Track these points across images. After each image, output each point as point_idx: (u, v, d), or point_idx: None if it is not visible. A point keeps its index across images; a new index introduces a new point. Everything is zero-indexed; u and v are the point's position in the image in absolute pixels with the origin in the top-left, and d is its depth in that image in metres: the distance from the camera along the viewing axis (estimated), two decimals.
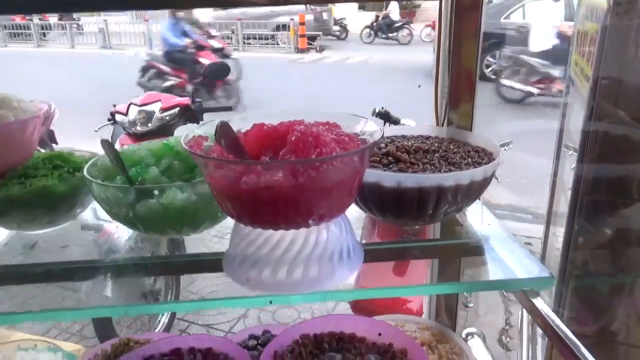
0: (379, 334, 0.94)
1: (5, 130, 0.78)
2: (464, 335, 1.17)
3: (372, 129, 0.69)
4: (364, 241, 3.05)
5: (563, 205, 1.53)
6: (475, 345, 1.15)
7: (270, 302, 0.66)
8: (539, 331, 1.63)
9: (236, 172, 0.58)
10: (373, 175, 0.74)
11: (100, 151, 0.84)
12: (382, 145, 0.86)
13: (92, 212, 0.91)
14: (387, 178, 0.73)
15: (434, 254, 0.77)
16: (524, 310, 1.73)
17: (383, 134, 0.63)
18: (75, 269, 0.75)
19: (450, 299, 1.17)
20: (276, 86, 8.45)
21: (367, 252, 0.74)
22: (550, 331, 0.64)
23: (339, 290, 0.68)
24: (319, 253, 0.67)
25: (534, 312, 0.65)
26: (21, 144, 0.81)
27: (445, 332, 1.09)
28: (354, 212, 0.80)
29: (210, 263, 0.74)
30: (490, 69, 7.54)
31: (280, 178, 0.57)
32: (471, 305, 3.18)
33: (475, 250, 0.74)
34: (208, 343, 0.94)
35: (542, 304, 0.63)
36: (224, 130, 0.54)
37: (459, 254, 0.75)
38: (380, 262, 0.78)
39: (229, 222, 0.80)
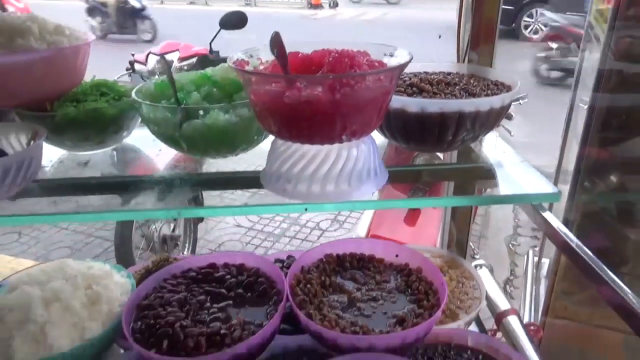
0: (396, 256, 1.03)
1: (61, 54, 0.85)
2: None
3: (400, 56, 0.75)
4: (376, 192, 3.06)
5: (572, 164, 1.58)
6: (484, 275, 1.24)
7: (306, 210, 0.74)
8: (543, 272, 1.73)
9: (280, 87, 0.64)
10: (398, 101, 0.80)
11: None
12: (407, 78, 0.92)
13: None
14: (412, 104, 0.79)
15: (451, 177, 0.84)
16: (530, 254, 1.82)
17: (412, 58, 0.69)
18: (126, 182, 0.83)
19: (461, 232, 1.25)
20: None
21: (390, 173, 0.82)
22: (558, 240, 0.71)
23: (366, 200, 0.75)
24: (349, 168, 0.74)
25: (544, 225, 0.72)
26: (74, 68, 0.88)
27: (456, 259, 1.18)
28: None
29: (249, 179, 0.82)
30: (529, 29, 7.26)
31: (320, 93, 0.64)
32: (478, 257, 3.29)
33: (489, 172, 0.81)
34: (241, 259, 1.03)
35: (551, 216, 0.70)
36: (277, 40, 0.60)
37: (475, 176, 0.82)
38: (401, 183, 0.85)
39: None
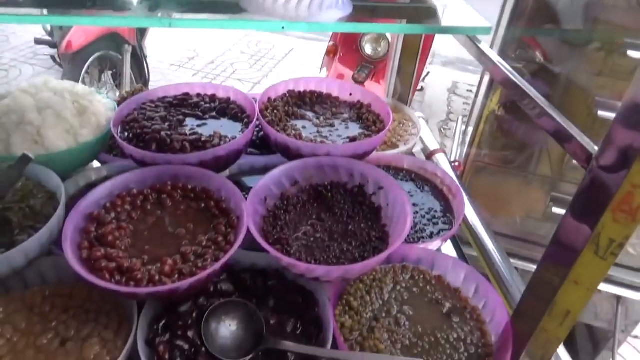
0: (350, 94, 1.19)
1: None
2: None
3: None
4: (324, 68, 3.19)
5: None
6: (421, 122, 1.44)
7: (283, 28, 0.85)
8: (467, 139, 1.98)
9: None
10: None
11: None
12: None
13: None
14: None
15: (404, 15, 0.97)
16: (459, 120, 2.05)
17: None
18: None
19: (405, 86, 1.42)
20: None
21: (354, 8, 0.94)
22: (493, 70, 0.88)
23: (332, 23, 0.88)
24: None
25: (481, 56, 0.89)
26: None
27: (399, 105, 1.36)
28: None
29: (229, 4, 0.91)
30: None
31: None
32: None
33: (435, 12, 0.94)
34: (212, 90, 1.15)
35: (486, 46, 0.86)
36: None
37: (424, 15, 0.95)
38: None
39: None
